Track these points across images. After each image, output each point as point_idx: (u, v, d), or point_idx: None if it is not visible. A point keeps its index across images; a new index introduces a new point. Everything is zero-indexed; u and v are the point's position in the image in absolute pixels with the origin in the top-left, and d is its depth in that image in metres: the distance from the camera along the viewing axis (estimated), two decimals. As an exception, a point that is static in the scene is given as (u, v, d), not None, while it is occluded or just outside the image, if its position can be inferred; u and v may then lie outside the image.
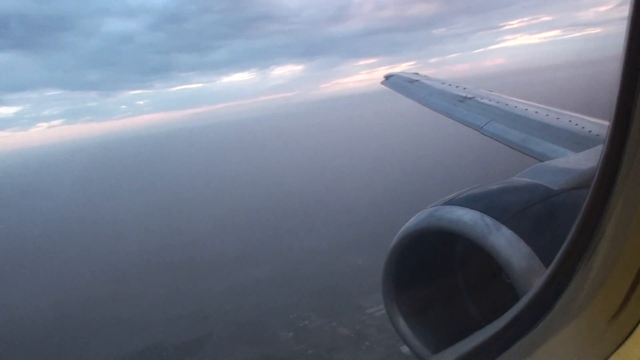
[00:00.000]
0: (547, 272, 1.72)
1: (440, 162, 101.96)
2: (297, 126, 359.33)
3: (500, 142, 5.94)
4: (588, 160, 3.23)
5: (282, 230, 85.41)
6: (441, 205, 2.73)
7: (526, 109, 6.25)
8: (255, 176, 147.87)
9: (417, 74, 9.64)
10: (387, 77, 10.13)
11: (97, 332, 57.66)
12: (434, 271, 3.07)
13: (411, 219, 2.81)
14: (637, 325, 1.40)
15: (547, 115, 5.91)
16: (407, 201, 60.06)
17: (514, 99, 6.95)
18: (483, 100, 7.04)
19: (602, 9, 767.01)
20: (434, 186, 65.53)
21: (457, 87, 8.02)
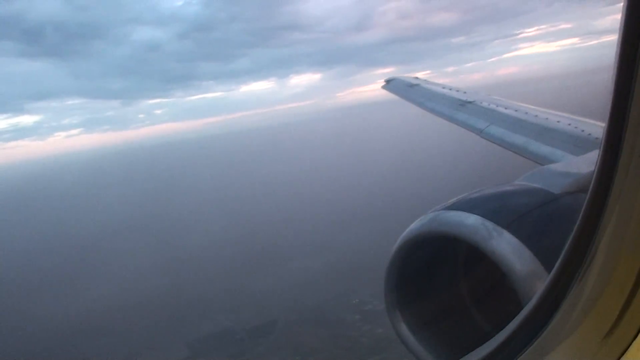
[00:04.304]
0: (542, 289, 1.74)
1: (441, 166, 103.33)
2: (308, 135, 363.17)
3: (500, 145, 5.98)
4: (589, 163, 3.08)
5: (324, 227, 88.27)
6: (442, 209, 2.76)
7: (526, 113, 6.28)
8: (285, 178, 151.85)
9: (417, 77, 9.75)
10: (388, 82, 10.21)
11: (167, 319, 60.87)
12: (436, 276, 3.06)
13: (413, 224, 2.82)
14: (630, 344, 1.39)
15: (547, 118, 5.90)
16: (408, 204, 60.89)
17: (514, 102, 7.01)
18: (483, 104, 7.07)
19: (620, 16, 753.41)
20: (435, 190, 66.48)
21: (457, 91, 8.11)
